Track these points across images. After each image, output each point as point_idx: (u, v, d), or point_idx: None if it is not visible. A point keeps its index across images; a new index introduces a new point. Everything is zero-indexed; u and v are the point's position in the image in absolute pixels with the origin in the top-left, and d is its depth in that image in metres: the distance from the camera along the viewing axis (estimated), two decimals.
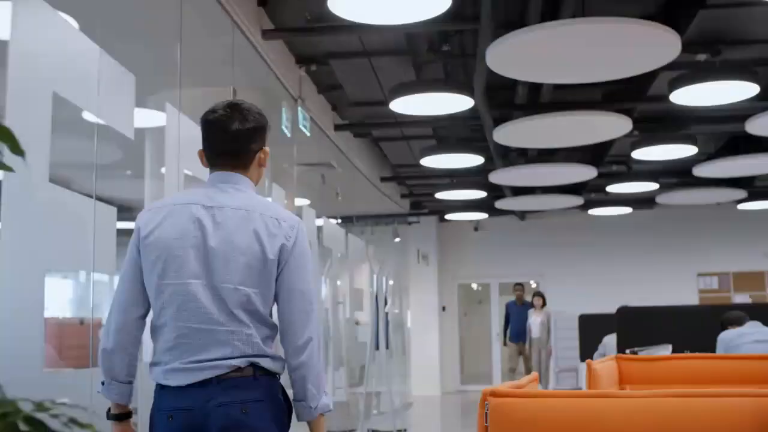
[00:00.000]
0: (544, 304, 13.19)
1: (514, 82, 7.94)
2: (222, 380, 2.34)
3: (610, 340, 8.91)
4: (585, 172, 10.21)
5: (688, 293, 15.37)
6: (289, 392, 2.51)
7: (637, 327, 8.85)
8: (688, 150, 9.15)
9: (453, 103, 7.16)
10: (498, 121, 8.16)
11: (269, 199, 3.05)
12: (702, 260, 15.63)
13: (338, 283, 9.88)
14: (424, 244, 16.04)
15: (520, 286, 14.31)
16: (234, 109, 2.52)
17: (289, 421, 2.48)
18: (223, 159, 2.53)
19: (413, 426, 11.60)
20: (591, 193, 13.37)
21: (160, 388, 2.41)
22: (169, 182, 4.43)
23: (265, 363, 2.40)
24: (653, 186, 11.60)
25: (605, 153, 10.60)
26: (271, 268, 2.42)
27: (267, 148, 2.59)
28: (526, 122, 7.88)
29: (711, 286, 15.63)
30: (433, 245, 16.11)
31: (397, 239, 14.33)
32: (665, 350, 6.43)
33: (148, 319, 2.50)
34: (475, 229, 16.48)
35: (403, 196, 13.88)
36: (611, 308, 11.62)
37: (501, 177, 10.44)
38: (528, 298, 14.12)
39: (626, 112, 7.89)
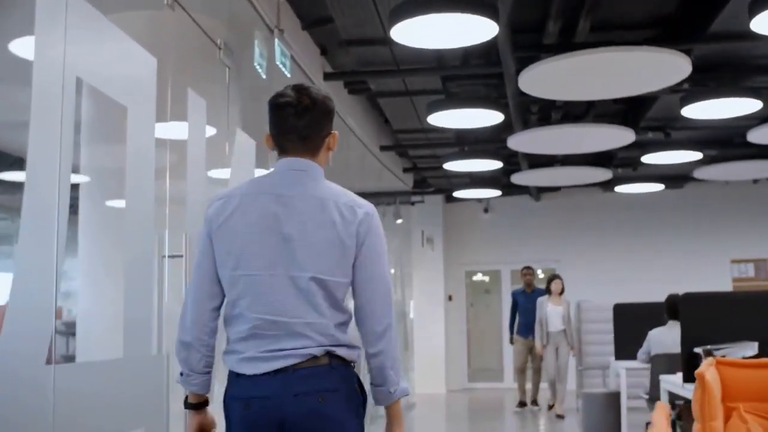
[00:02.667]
0: (563, 290, 10.76)
1: (543, 18, 6.47)
2: (297, 369, 2.36)
3: (659, 335, 7.40)
4: (619, 136, 8.67)
5: (721, 282, 13.91)
6: (365, 380, 2.51)
7: (700, 319, 7.37)
8: (750, 105, 7.59)
9: (470, 32, 5.62)
10: (523, 63, 6.65)
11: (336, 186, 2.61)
12: (736, 245, 14.16)
13: None
14: (429, 227, 14.55)
15: (529, 270, 11.91)
16: (302, 92, 2.49)
17: (365, 411, 2.48)
18: (294, 144, 2.50)
19: (416, 429, 10.15)
20: (618, 168, 11.83)
21: (235, 376, 2.42)
22: None
23: (340, 351, 2.41)
24: (695, 156, 10.01)
25: (644, 114, 9.09)
26: (347, 255, 2.42)
27: (335, 132, 2.57)
28: (555, 63, 6.37)
29: (746, 273, 14.15)
30: (439, 227, 14.61)
31: (399, 220, 12.91)
32: (749, 349, 4.92)
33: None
34: (485, 210, 15.01)
35: (406, 170, 12.35)
36: (633, 298, 10.31)
37: (520, 141, 8.92)
38: (539, 283, 12.22)
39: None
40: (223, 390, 2.48)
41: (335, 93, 7.99)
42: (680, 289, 9.18)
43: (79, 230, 4.55)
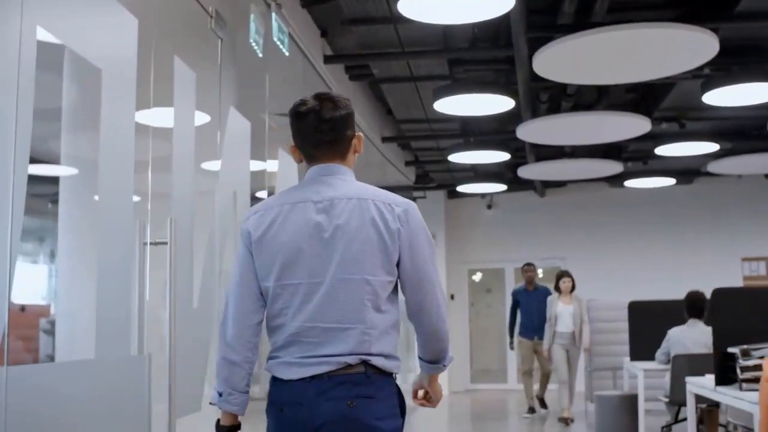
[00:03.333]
0: (573, 287, 9.83)
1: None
2: (333, 376, 2.35)
3: (679, 335, 6.97)
4: (634, 125, 8.23)
5: (731, 280, 13.44)
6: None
7: (732, 316, 6.94)
8: None
9: (482, 5, 5.19)
10: (535, 45, 6.22)
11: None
12: (747, 243, 13.72)
13: None
14: (431, 223, 13.77)
15: (530, 267, 10.95)
16: (323, 98, 2.49)
17: (403, 416, 2.46)
18: (322, 150, 2.49)
19: None
20: (628, 162, 11.42)
21: (273, 381, 2.44)
22: None
23: (377, 361, 2.39)
24: (710, 148, 9.57)
25: (658, 103, 8.67)
26: (390, 253, 2.41)
27: (360, 134, 2.58)
28: (571, 43, 5.93)
29: (758, 272, 13.71)
30: (440, 224, 14.13)
31: None
32: None
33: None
34: (489, 206, 14.58)
35: (408, 163, 11.91)
36: (640, 296, 9.76)
37: (530, 131, 8.48)
38: (544, 281, 11.42)
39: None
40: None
41: (336, 79, 7.56)
42: (689, 288, 8.81)
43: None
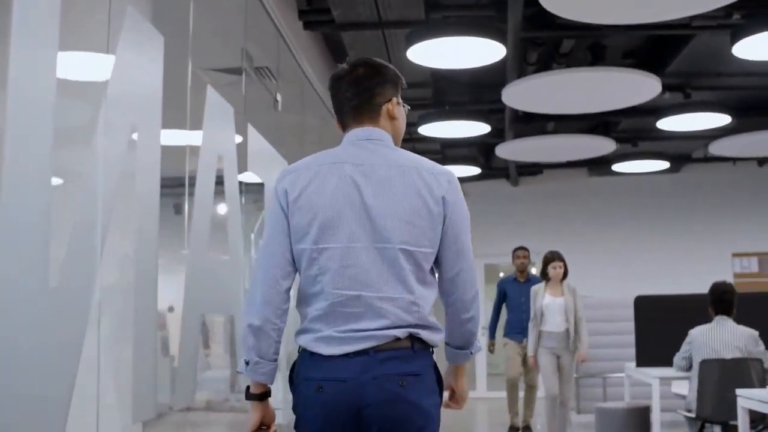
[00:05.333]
0: (566, 274, 7.56)
1: None
2: (379, 351, 2.26)
3: (704, 336, 5.68)
4: (641, 85, 6.94)
5: (721, 278, 12.23)
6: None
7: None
8: None
9: None
10: None
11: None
12: (739, 237, 12.61)
13: None
14: None
15: (523, 252, 8.59)
16: (359, 63, 2.47)
17: (441, 394, 2.40)
18: (352, 114, 2.45)
19: None
20: (617, 142, 10.16)
21: (309, 355, 2.31)
22: None
23: (424, 335, 2.33)
24: (720, 120, 8.31)
25: (667, 64, 7.41)
26: (436, 224, 2.34)
27: (395, 99, 2.47)
28: None
29: (749, 269, 12.60)
30: None
31: None
32: None
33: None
34: None
35: None
36: (622, 294, 8.91)
37: (517, 93, 7.17)
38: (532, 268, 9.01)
39: None
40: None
41: (289, 27, 6.20)
42: (674, 287, 7.59)
43: None
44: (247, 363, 2.36)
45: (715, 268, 12.34)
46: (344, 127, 2.47)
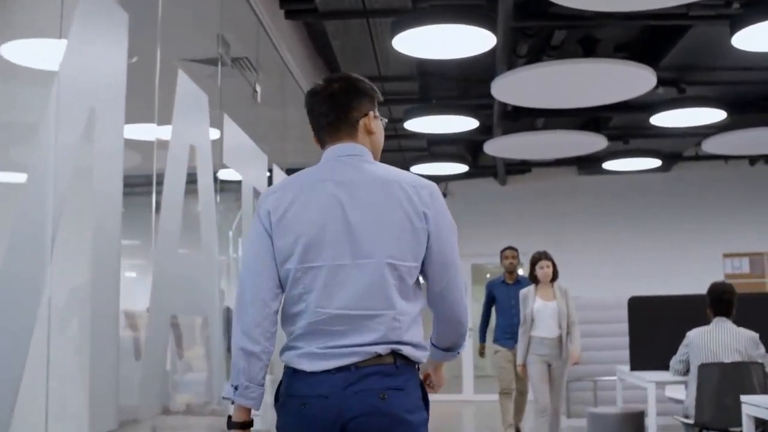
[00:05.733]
0: (555, 275, 7.04)
1: None
2: (360, 367, 2.24)
3: (703, 338, 5.43)
4: (636, 79, 6.69)
5: (712, 279, 12.02)
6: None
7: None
8: None
9: None
10: None
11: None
12: (730, 237, 12.41)
13: None
14: None
15: (512, 252, 8.09)
16: (333, 79, 2.47)
17: (428, 410, 2.36)
18: (328, 131, 2.43)
19: None
20: (611, 140, 9.91)
21: (293, 372, 2.31)
22: None
23: (407, 351, 2.30)
24: (715, 116, 8.06)
25: (662, 55, 7.18)
26: (419, 238, 2.32)
27: (372, 113, 2.45)
28: None
29: (741, 269, 12.38)
30: None
31: None
32: None
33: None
34: (444, 195, 12.86)
35: None
36: (608, 295, 8.84)
37: (507, 86, 6.91)
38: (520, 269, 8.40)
39: None
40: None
41: (269, 16, 5.92)
42: (664, 289, 7.35)
43: None
44: (235, 388, 2.31)
45: (705, 269, 12.17)
46: (322, 143, 2.46)
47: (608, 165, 10.46)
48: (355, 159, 2.39)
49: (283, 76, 6.90)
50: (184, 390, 5.88)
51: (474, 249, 12.70)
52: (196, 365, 6.77)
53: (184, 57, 4.77)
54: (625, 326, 8.37)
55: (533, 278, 7.04)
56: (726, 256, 12.45)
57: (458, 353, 2.55)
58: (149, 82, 3.66)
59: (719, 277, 12.33)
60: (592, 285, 11.23)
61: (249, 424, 2.36)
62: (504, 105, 8.18)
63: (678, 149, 11.18)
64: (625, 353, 7.54)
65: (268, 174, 5.77)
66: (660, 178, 12.32)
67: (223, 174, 5.10)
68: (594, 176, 12.42)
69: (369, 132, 2.45)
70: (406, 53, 5.99)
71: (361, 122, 2.43)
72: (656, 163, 10.41)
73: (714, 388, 5.27)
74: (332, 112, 2.41)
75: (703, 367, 5.30)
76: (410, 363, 2.32)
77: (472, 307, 13.19)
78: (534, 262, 7.05)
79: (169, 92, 3.79)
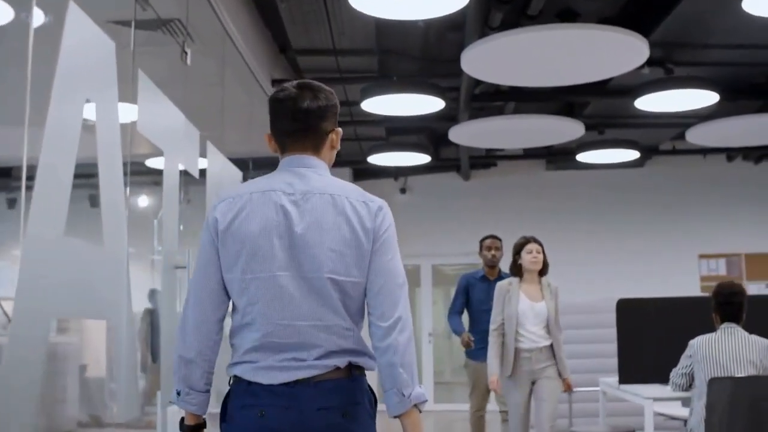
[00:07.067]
0: (545, 268, 5.65)
1: None
2: (319, 381, 2.24)
3: (710, 347, 4.63)
4: (626, 47, 5.86)
5: (687, 281, 11.52)
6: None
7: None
8: None
9: None
10: None
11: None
12: (705, 237, 11.78)
13: None
14: None
15: (494, 241, 6.64)
16: (304, 87, 2.42)
17: (375, 414, 2.35)
18: (294, 140, 2.41)
19: None
20: (587, 130, 9.10)
21: (247, 384, 2.26)
22: None
23: (361, 362, 2.32)
24: (707, 99, 7.26)
25: (653, 26, 6.39)
26: (363, 253, 2.32)
27: (339, 129, 2.48)
28: None
29: (717, 271, 11.73)
30: None
31: None
32: None
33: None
34: (403, 190, 12.22)
35: None
36: (584, 298, 8.29)
37: (479, 57, 6.05)
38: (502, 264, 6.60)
39: None
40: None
41: None
42: (637, 291, 6.69)
43: None
44: (178, 393, 2.35)
45: (680, 271, 11.62)
46: (282, 149, 2.43)
47: (582, 157, 9.64)
48: (310, 171, 2.38)
49: (223, 44, 6.01)
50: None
51: (434, 249, 11.90)
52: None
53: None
54: (597, 332, 7.66)
55: (516, 270, 5.61)
56: (702, 257, 11.78)
57: (405, 395, 2.25)
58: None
59: (695, 280, 11.68)
60: (561, 287, 10.48)
61: (201, 426, 2.40)
62: (473, 84, 7.33)
63: (658, 140, 10.43)
64: (603, 361, 6.76)
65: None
66: (633, 175, 11.64)
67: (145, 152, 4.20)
68: (563, 171, 11.71)
69: (333, 147, 2.46)
70: (364, 12, 5.09)
71: (330, 137, 2.43)
72: (634, 155, 9.62)
73: (726, 405, 4.46)
74: (305, 122, 2.38)
75: (715, 383, 4.48)
76: (362, 372, 2.34)
77: (430, 307, 12.43)
78: (519, 247, 5.61)
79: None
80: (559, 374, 5.47)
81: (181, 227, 4.36)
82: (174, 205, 4.24)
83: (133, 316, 3.71)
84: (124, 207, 3.49)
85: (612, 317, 5.72)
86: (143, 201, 6.43)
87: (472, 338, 6.34)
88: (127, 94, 3.63)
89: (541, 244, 5.60)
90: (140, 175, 4.28)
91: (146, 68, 3.86)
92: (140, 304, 4.30)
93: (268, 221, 2.29)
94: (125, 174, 3.51)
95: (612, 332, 5.67)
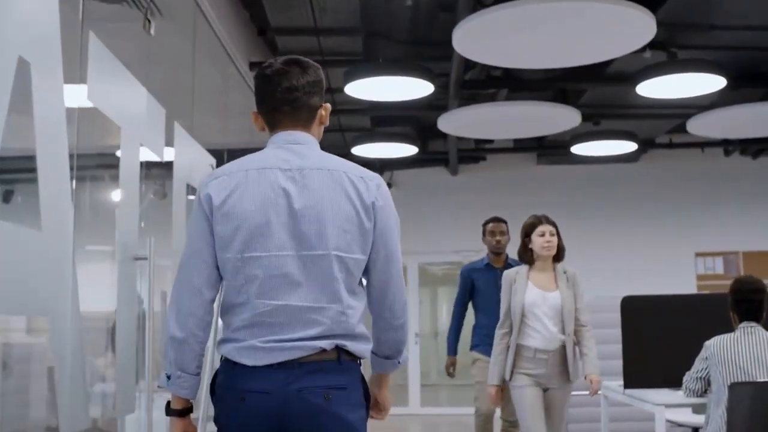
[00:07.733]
0: (561, 253, 4.79)
1: None
2: (303, 363, 2.22)
3: (728, 349, 4.17)
4: (634, 22, 5.42)
5: (683, 279, 11.14)
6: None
7: None
8: None
9: None
10: None
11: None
12: (702, 235, 11.41)
13: None
14: None
15: (499, 225, 5.84)
16: (291, 63, 2.40)
17: (368, 408, 2.37)
18: (284, 116, 2.39)
19: None
20: (583, 120, 8.64)
21: (232, 365, 2.26)
22: None
23: (351, 346, 2.29)
24: (714, 84, 6.83)
25: (653, 11, 5.96)
26: (365, 230, 2.32)
27: (328, 105, 2.47)
28: None
29: (714, 269, 11.38)
30: None
31: None
32: None
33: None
34: (388, 185, 11.64)
35: None
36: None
37: (469, 34, 5.60)
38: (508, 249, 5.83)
39: None
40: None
41: None
42: (630, 290, 6.26)
43: None
44: (168, 377, 2.31)
45: (676, 269, 11.26)
46: (271, 127, 2.41)
47: (576, 149, 9.21)
48: (303, 147, 2.35)
49: (195, 19, 5.54)
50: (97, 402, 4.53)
51: (421, 247, 11.46)
52: (110, 375, 5.23)
53: None
54: (593, 332, 7.26)
55: (526, 256, 4.76)
56: (698, 255, 11.40)
57: (400, 363, 2.50)
58: None
59: (691, 279, 11.30)
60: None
61: (187, 410, 2.36)
62: (464, 68, 6.88)
63: (655, 133, 10.02)
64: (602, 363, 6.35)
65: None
66: (627, 170, 11.27)
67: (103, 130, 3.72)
68: (555, 166, 11.30)
69: (322, 123, 2.45)
70: None
71: (319, 113, 2.41)
72: (630, 147, 9.20)
73: (747, 411, 4.02)
74: (297, 99, 2.36)
75: (736, 388, 4.04)
76: (354, 359, 2.31)
77: (417, 308, 12.00)
78: (528, 229, 4.74)
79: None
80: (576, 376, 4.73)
81: (142, 224, 3.88)
82: (134, 187, 3.76)
83: (82, 314, 3.22)
84: (69, 190, 3.01)
85: (609, 317, 5.27)
86: (108, 192, 5.95)
87: (454, 366, 5.84)
88: (76, 69, 3.16)
89: (555, 225, 4.74)
90: (112, 168, 3.79)
91: (100, 34, 3.38)
92: (98, 301, 3.83)
93: (266, 199, 2.26)
94: (72, 158, 3.02)
95: (609, 332, 5.23)
